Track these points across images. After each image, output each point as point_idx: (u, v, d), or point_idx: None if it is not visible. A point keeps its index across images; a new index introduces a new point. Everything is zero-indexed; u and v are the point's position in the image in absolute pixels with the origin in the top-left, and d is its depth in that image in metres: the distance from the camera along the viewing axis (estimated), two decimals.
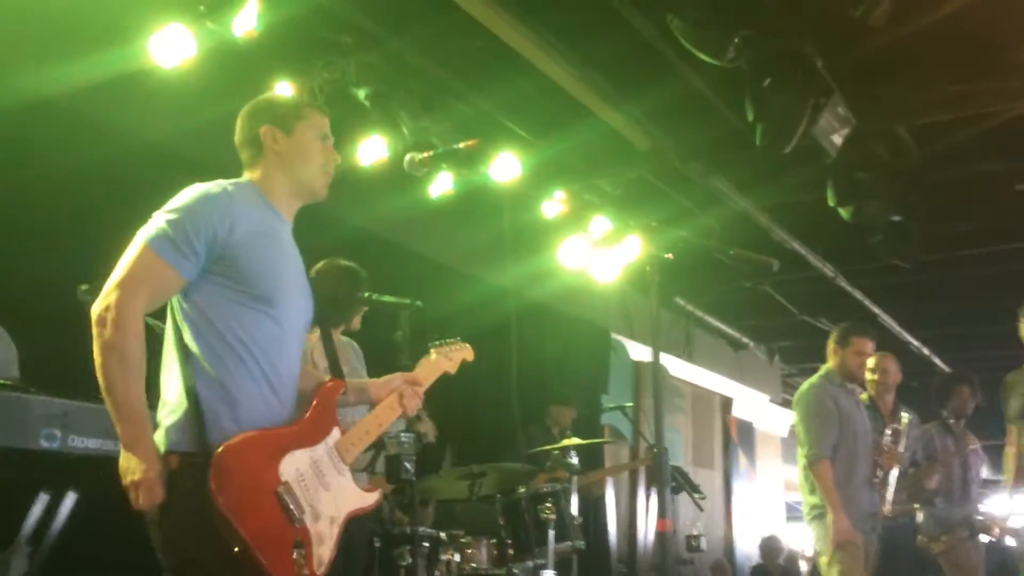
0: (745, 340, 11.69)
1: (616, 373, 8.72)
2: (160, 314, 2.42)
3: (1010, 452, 5.82)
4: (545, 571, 4.55)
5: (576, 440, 5.39)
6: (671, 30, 4.64)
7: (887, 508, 5.37)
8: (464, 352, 3.09)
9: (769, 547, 10.49)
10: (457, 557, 4.54)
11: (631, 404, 7.94)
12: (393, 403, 2.70)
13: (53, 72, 4.28)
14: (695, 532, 8.31)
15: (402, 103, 5.13)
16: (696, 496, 6.41)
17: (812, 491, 5.10)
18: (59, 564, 3.68)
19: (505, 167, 5.76)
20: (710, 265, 8.45)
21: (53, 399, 3.34)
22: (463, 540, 4.62)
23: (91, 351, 2.26)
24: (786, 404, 12.25)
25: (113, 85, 4.43)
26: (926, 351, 11.67)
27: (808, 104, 5.11)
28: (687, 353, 10.64)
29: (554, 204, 6.58)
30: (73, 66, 4.30)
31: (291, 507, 2.29)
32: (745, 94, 5.13)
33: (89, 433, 3.36)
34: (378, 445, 3.58)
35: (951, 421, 6.33)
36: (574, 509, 4.96)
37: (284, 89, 4.90)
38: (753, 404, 12.32)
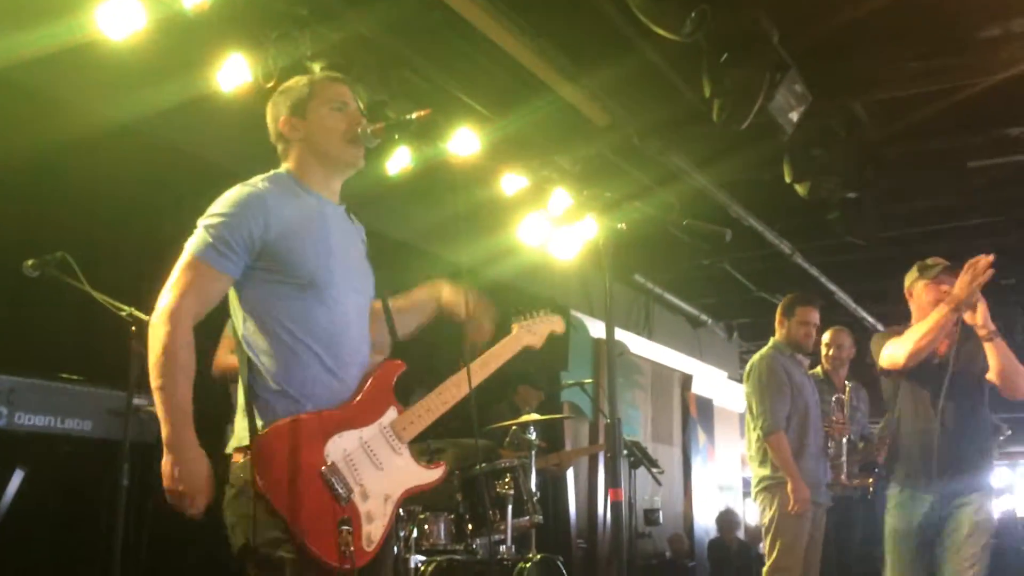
0: (704, 317, 11.77)
1: (576, 350, 8.72)
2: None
3: None
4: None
5: (536, 416, 5.39)
6: (628, 4, 4.62)
7: (844, 477, 5.46)
8: (552, 324, 3.06)
9: (726, 521, 10.61)
10: (415, 533, 4.55)
11: (590, 380, 7.95)
12: (459, 381, 2.71)
13: None
14: (653, 506, 8.40)
15: (358, 76, 5.05)
16: (654, 471, 6.46)
17: (763, 463, 5.15)
18: (6, 540, 3.63)
19: (463, 142, 5.72)
20: (669, 242, 8.52)
21: None
22: (421, 516, 4.63)
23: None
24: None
25: (59, 58, 4.32)
26: (881, 327, 11.83)
27: (765, 80, 5.13)
28: (647, 331, 10.69)
29: (513, 180, 6.56)
30: (18, 38, 4.18)
31: (337, 487, 2.33)
32: (702, 70, 5.14)
33: (36, 410, 3.31)
34: None
35: None
36: (532, 485, 4.97)
37: (237, 63, 4.78)
38: (712, 381, 12.43)
